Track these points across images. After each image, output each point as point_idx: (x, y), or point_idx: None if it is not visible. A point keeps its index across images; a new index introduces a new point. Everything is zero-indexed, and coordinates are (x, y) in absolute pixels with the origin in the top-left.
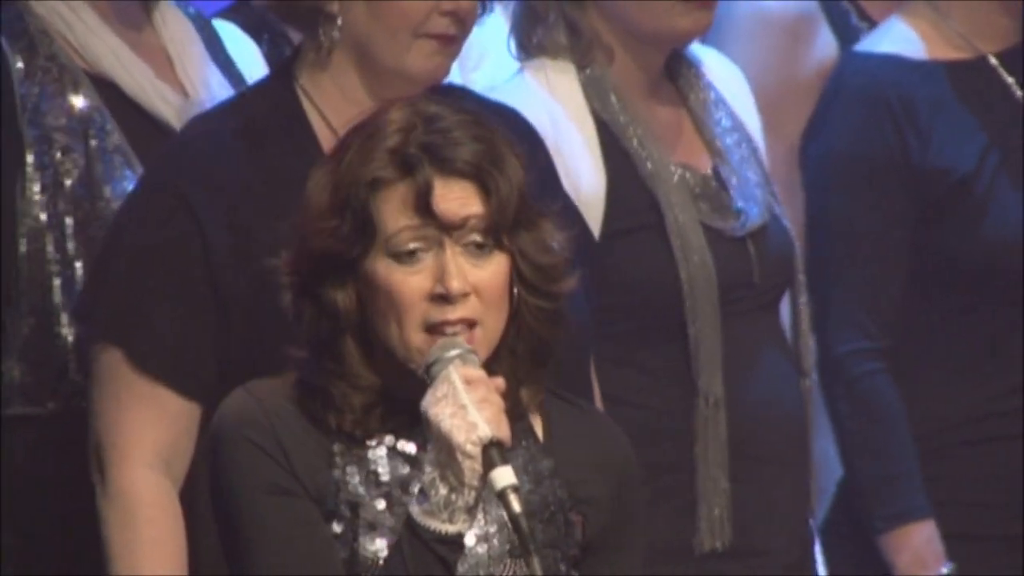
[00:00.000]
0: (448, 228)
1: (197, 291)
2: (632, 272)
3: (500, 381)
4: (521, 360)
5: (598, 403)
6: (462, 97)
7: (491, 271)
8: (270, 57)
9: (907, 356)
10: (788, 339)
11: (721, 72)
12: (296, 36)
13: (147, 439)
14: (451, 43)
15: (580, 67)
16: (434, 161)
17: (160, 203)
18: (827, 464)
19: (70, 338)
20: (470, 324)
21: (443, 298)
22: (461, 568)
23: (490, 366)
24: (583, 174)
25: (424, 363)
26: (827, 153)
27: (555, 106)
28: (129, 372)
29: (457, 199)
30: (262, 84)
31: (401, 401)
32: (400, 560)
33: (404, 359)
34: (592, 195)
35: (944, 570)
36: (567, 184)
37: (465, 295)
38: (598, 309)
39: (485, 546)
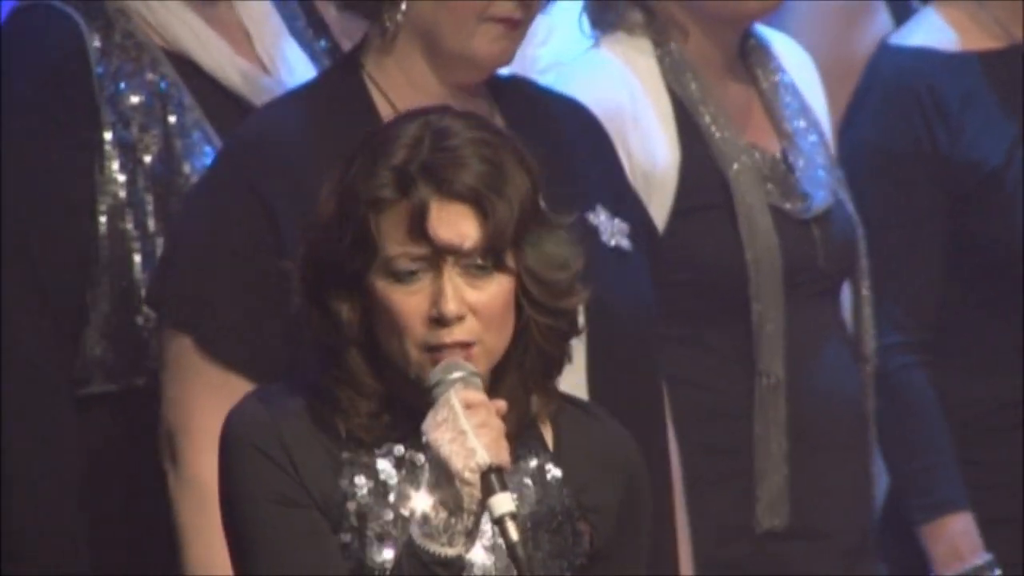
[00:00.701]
0: (444, 252)
1: (266, 278)
2: (699, 251)
3: (501, 404)
4: (529, 373)
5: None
6: (525, 88)
7: (491, 292)
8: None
9: (950, 344)
10: (848, 326)
11: (792, 57)
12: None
13: (218, 425)
14: (516, 27)
15: (656, 44)
16: (433, 182)
17: (230, 192)
18: None
19: (150, 315)
20: (466, 346)
21: (439, 321)
22: None
23: (496, 379)
24: (658, 149)
25: (427, 384)
26: (859, 145)
27: (633, 80)
28: (199, 359)
29: (453, 223)
30: (329, 72)
31: (409, 409)
32: None
33: (408, 372)
34: (665, 171)
35: (979, 561)
36: (643, 158)
37: (461, 318)
38: (664, 286)
39: (492, 558)
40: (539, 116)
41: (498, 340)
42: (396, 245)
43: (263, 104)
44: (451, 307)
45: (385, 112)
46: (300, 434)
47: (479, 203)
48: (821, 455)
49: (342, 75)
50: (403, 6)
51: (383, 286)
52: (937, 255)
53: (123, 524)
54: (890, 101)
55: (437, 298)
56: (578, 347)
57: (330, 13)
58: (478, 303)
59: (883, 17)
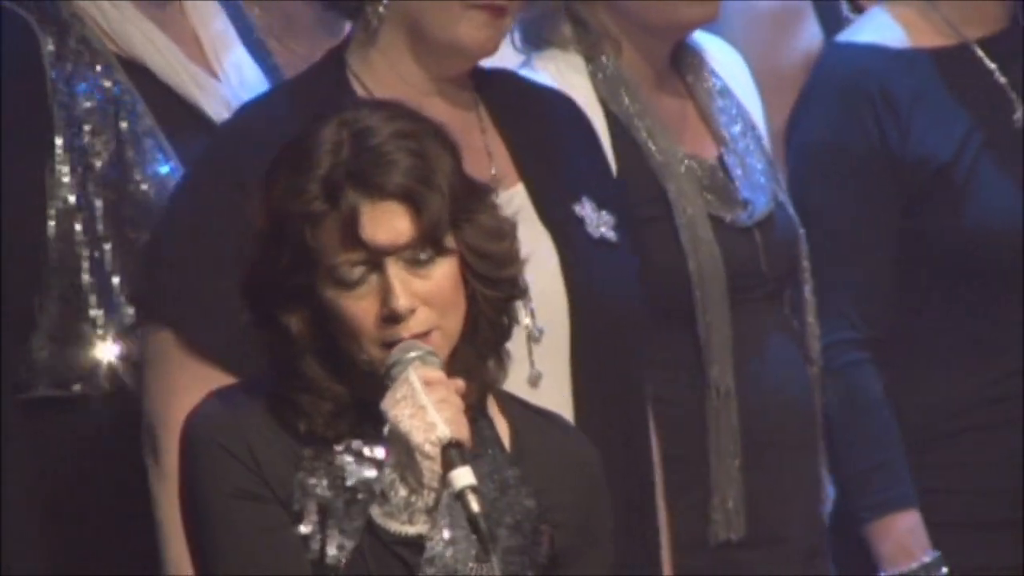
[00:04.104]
0: (382, 253)
1: None
2: (642, 264)
3: (460, 382)
4: (482, 344)
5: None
6: (510, 79)
7: (437, 279)
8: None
9: (900, 345)
10: (795, 327)
11: (724, 59)
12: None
13: None
14: (501, 15)
15: (588, 59)
16: (360, 187)
17: (215, 188)
18: None
19: (99, 320)
20: (424, 335)
21: (392, 318)
22: (428, 571)
23: (451, 354)
24: None
25: (385, 365)
26: (808, 144)
27: None
28: (182, 354)
29: (387, 224)
30: (313, 69)
31: (371, 406)
32: (362, 562)
33: (372, 371)
34: None
35: (927, 559)
36: None
37: (413, 311)
38: None
39: (451, 549)
40: (525, 107)
41: (454, 321)
42: (335, 254)
43: (247, 100)
44: (401, 303)
45: None
46: (261, 431)
47: (410, 199)
48: (774, 459)
49: (326, 71)
50: (385, 0)
51: (331, 295)
52: (889, 253)
53: (70, 526)
54: (839, 99)
55: (386, 297)
56: (563, 337)
57: (254, 12)
58: (427, 293)
59: (813, 26)
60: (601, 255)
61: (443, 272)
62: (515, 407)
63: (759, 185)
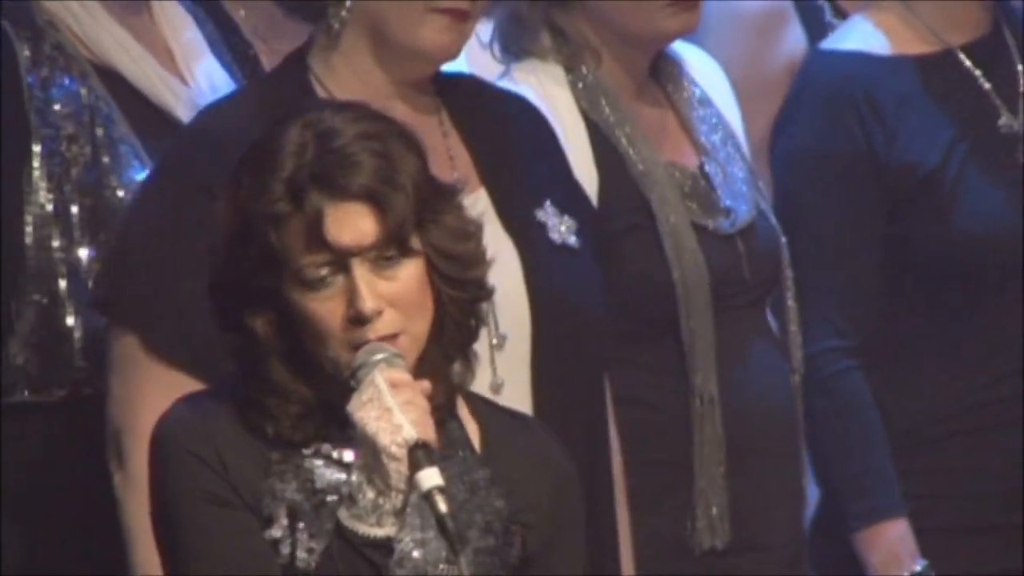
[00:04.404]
0: (347, 254)
1: None
2: (625, 273)
3: (426, 384)
4: (448, 345)
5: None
6: (472, 84)
7: (403, 280)
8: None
9: (886, 350)
10: (777, 334)
11: (703, 68)
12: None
13: None
14: (464, 19)
15: (568, 69)
16: (325, 188)
17: (179, 191)
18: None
19: (76, 327)
20: (391, 338)
21: (358, 320)
22: (397, 572)
23: (418, 361)
24: (576, 175)
25: (350, 368)
26: (794, 151)
27: (547, 107)
28: (147, 358)
29: (351, 225)
30: (275, 72)
31: (337, 409)
32: (331, 565)
33: (339, 375)
34: None
35: (917, 567)
36: None
37: (379, 312)
38: None
39: (421, 551)
40: (487, 113)
41: (421, 324)
42: (300, 256)
43: (209, 103)
44: (367, 305)
45: None
46: (230, 436)
47: (375, 200)
48: (757, 466)
49: (289, 74)
50: (348, 2)
51: (297, 296)
52: (875, 259)
53: (53, 534)
54: (825, 106)
55: (352, 298)
56: (525, 343)
57: (239, 14)
58: (393, 294)
59: (797, 31)
60: (563, 261)
61: (409, 273)
62: (485, 408)
63: (741, 193)
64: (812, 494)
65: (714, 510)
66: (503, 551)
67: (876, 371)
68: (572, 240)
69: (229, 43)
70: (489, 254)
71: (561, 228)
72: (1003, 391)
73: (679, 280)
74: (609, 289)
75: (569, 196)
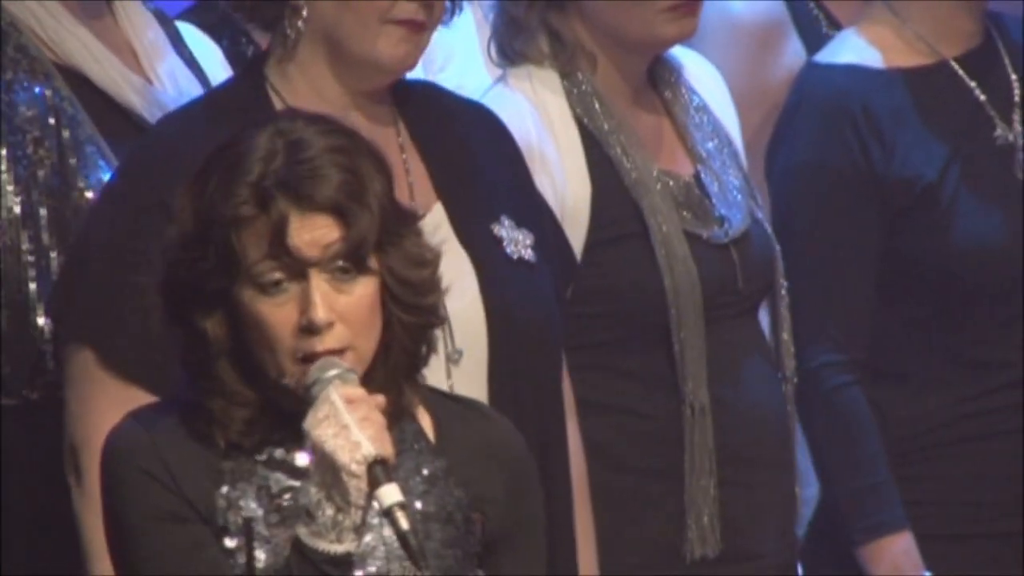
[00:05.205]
0: (307, 264)
1: None
2: (617, 281)
3: (381, 399)
4: (395, 368)
5: (570, 408)
6: (431, 94)
7: (357, 296)
8: (231, 56)
9: (881, 360)
10: (769, 343)
11: (701, 75)
12: (258, 34)
13: None
14: (420, 30)
15: (563, 75)
16: (291, 196)
17: (133, 203)
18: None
19: (47, 329)
20: (338, 352)
21: (309, 329)
22: None
23: (365, 378)
24: (569, 183)
25: (304, 384)
26: (791, 165)
27: (540, 114)
28: (102, 373)
29: (314, 234)
30: (232, 82)
31: (285, 413)
32: None
33: (282, 382)
34: (577, 204)
35: None
36: (552, 193)
37: (331, 325)
38: (584, 316)
39: (384, 563)
40: (445, 123)
41: (368, 343)
42: (259, 259)
43: (165, 114)
44: (320, 315)
45: None
46: (179, 449)
47: (340, 213)
48: (749, 475)
49: (245, 84)
50: (304, 12)
51: (250, 298)
52: (873, 274)
53: (21, 536)
54: (822, 120)
55: (305, 307)
56: (481, 358)
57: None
58: (346, 308)
59: (795, 42)
60: (520, 276)
61: (363, 291)
62: (436, 399)
63: (735, 202)
64: (812, 494)
65: (705, 519)
66: (464, 541)
67: (871, 380)
68: (528, 254)
69: (228, 37)
70: (445, 268)
71: (517, 242)
72: (1000, 401)
73: (671, 289)
74: (601, 297)
75: (528, 208)
